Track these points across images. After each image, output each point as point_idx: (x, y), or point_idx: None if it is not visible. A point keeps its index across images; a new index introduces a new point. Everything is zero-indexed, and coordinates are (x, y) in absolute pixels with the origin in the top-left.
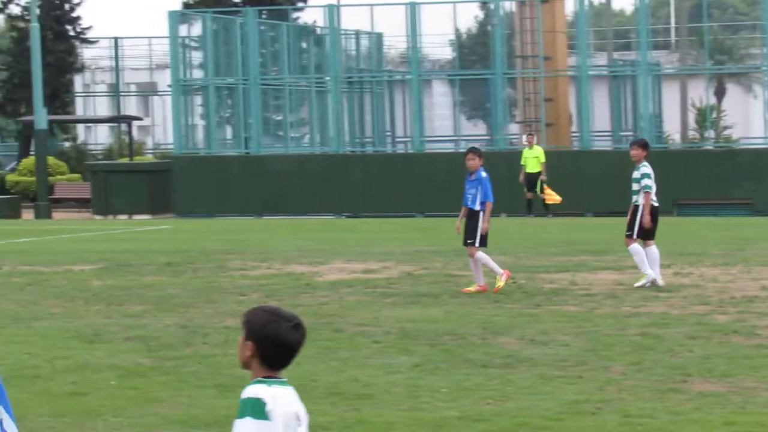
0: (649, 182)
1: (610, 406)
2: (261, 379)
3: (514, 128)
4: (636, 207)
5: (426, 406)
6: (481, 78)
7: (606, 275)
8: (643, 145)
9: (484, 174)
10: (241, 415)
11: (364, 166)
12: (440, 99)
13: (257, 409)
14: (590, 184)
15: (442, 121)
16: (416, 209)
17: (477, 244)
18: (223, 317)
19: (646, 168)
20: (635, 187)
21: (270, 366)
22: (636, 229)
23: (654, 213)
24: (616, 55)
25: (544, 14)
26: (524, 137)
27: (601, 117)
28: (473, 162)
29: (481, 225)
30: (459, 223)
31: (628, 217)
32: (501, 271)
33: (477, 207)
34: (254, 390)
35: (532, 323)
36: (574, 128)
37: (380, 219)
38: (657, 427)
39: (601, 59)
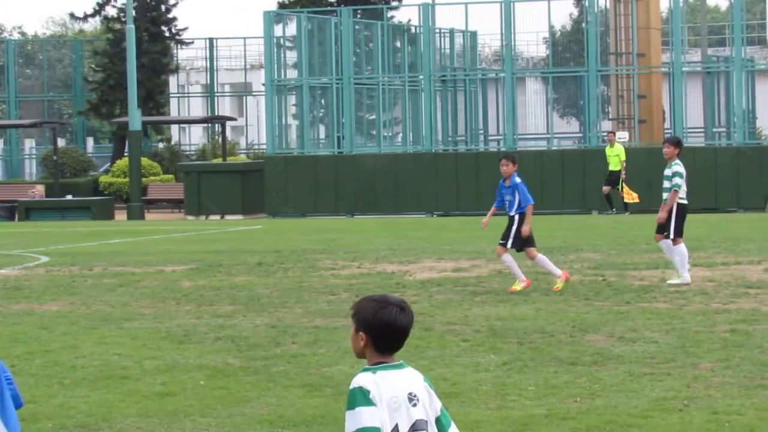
0: (680, 181)
1: (698, 403)
2: (367, 367)
3: (607, 125)
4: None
5: (513, 404)
6: (575, 75)
7: (696, 272)
8: (676, 143)
9: (518, 179)
10: (351, 407)
11: (456, 164)
12: (533, 97)
13: (362, 398)
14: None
15: (534, 119)
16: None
17: (509, 246)
18: (312, 317)
19: (678, 166)
20: (667, 184)
21: (383, 351)
22: (672, 228)
23: (683, 210)
24: (709, 51)
25: (638, 11)
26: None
27: (694, 113)
28: (507, 168)
29: (516, 228)
30: (487, 219)
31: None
32: (523, 277)
33: (513, 212)
34: (357, 380)
35: (621, 320)
36: (667, 125)
37: (471, 217)
38: (744, 423)
39: (695, 55)
